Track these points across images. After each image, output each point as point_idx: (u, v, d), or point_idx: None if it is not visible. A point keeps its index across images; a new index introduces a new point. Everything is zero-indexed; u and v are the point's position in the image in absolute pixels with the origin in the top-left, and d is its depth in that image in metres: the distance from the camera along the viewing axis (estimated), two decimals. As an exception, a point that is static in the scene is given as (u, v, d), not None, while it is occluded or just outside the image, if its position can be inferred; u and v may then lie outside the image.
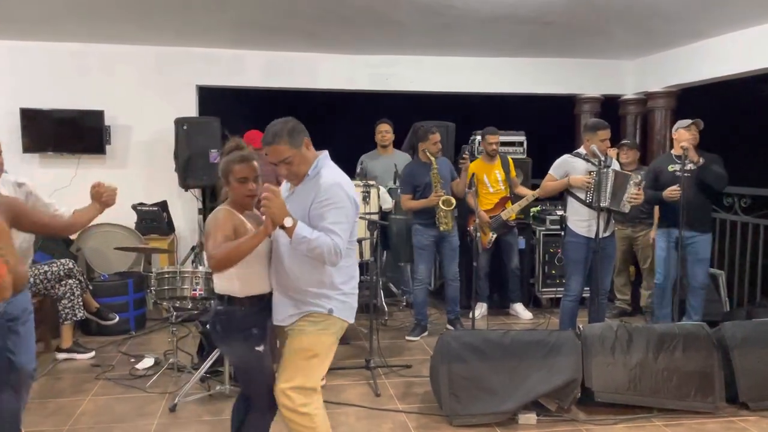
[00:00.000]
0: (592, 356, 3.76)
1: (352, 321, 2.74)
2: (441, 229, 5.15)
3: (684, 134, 4.78)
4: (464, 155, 5.33)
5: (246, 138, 4.74)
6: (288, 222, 2.46)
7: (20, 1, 4.88)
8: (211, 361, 4.06)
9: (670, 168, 4.90)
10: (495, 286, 6.11)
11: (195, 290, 3.94)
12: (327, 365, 2.77)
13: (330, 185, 2.55)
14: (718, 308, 5.53)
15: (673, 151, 5.00)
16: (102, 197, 3.00)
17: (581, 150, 4.70)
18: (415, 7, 5.01)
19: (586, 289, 4.89)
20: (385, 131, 6.11)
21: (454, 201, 5.15)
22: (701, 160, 4.68)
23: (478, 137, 6.44)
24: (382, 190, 5.63)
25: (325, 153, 2.71)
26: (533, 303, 6.30)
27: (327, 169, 2.65)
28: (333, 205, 2.51)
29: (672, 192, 4.70)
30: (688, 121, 4.84)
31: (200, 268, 4.03)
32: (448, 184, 5.25)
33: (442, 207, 5.07)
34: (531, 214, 6.32)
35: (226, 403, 3.93)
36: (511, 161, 5.94)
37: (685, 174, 4.68)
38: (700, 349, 3.83)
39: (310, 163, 2.63)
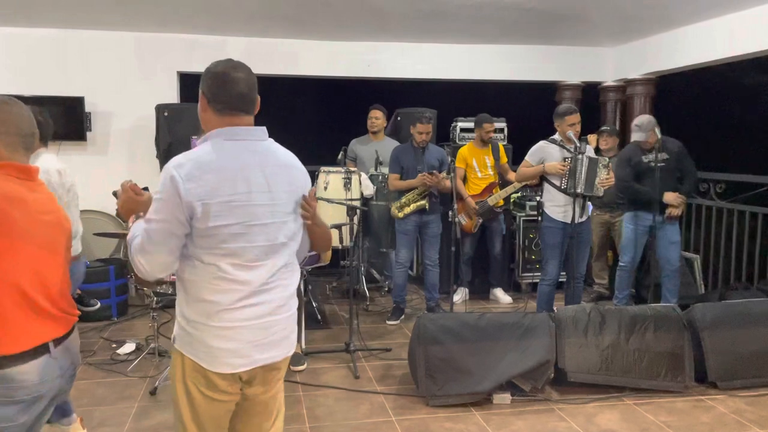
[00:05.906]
0: (566, 338, 3.84)
1: (214, 369, 1.87)
2: (392, 210, 5.25)
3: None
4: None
5: None
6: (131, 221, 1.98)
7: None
8: (191, 346, 4.08)
9: (645, 159, 5.00)
10: (477, 271, 6.18)
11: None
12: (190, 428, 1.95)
13: (165, 167, 1.85)
14: (693, 291, 5.65)
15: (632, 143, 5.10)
16: None
17: (556, 136, 4.76)
18: (396, -6, 5.03)
19: (563, 273, 4.97)
20: (375, 117, 6.05)
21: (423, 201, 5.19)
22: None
23: (460, 124, 6.49)
24: (364, 176, 5.65)
25: (228, 129, 1.89)
26: (513, 288, 6.38)
27: (202, 144, 1.90)
28: (156, 194, 1.85)
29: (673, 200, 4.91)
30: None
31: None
32: (433, 171, 5.19)
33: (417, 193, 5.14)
34: (511, 200, 6.39)
35: (207, 387, 3.99)
36: (501, 147, 5.97)
37: (660, 164, 4.86)
38: (671, 330, 3.93)
39: (204, 132, 1.94)
